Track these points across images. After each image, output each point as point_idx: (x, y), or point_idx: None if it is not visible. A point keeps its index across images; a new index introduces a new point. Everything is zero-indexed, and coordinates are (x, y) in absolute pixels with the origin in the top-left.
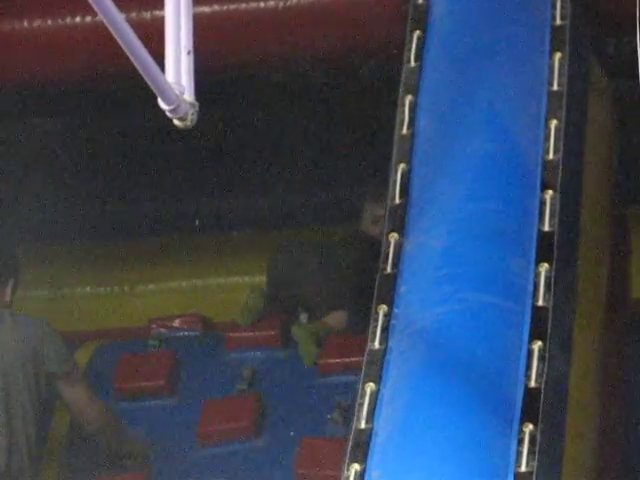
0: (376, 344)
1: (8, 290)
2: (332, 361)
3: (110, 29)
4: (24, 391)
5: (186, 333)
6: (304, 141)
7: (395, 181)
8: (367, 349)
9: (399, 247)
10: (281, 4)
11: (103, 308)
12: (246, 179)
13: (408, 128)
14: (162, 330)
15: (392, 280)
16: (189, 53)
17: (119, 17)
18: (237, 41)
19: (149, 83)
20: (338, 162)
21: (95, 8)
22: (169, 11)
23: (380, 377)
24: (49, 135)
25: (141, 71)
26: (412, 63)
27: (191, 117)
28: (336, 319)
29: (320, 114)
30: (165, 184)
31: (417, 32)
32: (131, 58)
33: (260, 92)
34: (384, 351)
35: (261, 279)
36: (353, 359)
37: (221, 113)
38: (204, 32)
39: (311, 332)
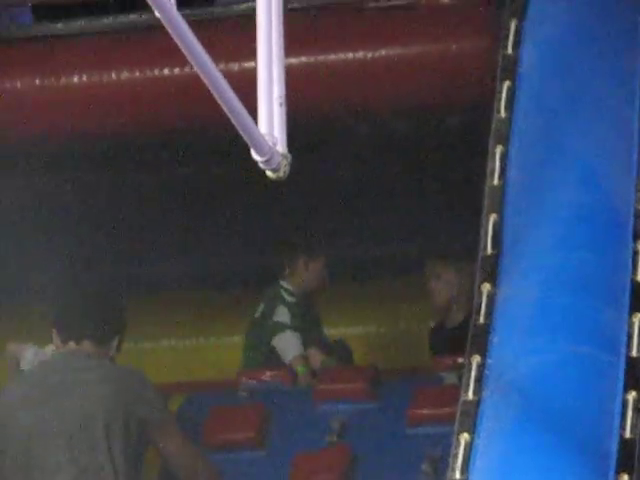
0: (470, 395)
1: (114, 345)
2: (421, 412)
3: (204, 80)
4: (118, 437)
5: (275, 385)
6: (389, 192)
7: (487, 231)
8: (461, 400)
9: (492, 297)
10: (369, 55)
11: (191, 360)
12: (325, 232)
13: (499, 179)
14: (251, 382)
15: (485, 330)
16: (281, 104)
17: (213, 68)
18: (324, 92)
19: (242, 134)
20: (426, 213)
21: (190, 59)
22: (261, 62)
23: (474, 428)
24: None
25: (235, 122)
26: (502, 113)
27: (284, 168)
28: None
29: (407, 166)
30: (251, 236)
31: (507, 82)
32: (225, 109)
33: (346, 143)
34: (478, 402)
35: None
36: (442, 410)
37: (309, 165)
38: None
39: None
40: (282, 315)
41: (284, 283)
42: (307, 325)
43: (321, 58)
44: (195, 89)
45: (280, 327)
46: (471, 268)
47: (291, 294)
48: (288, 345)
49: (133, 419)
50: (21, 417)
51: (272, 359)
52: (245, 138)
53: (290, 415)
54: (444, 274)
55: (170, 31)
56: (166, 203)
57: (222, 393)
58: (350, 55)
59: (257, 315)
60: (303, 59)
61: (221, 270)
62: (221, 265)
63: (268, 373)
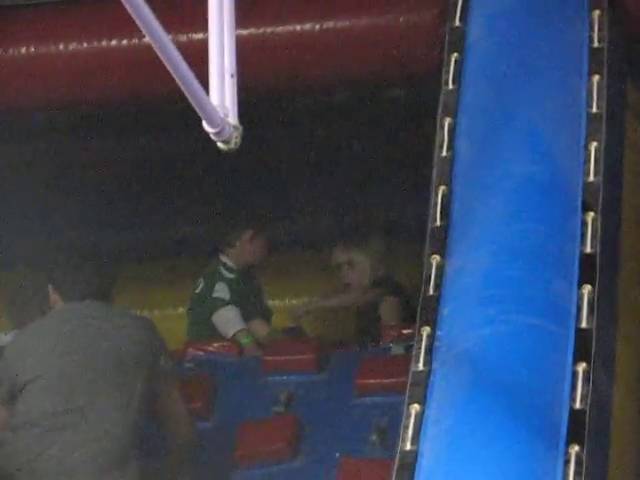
0: (420, 366)
1: None
2: (369, 382)
3: (157, 51)
4: (144, 381)
5: (222, 357)
6: (341, 165)
7: (436, 203)
8: (411, 371)
9: (441, 269)
10: (318, 27)
11: None
12: (274, 204)
13: (448, 150)
14: (198, 353)
15: (435, 302)
16: (232, 76)
17: (166, 39)
18: (272, 63)
19: (194, 106)
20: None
21: (143, 30)
22: (213, 34)
23: (425, 398)
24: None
25: (187, 94)
26: (450, 85)
27: (235, 140)
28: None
29: (354, 137)
30: (198, 207)
31: (455, 55)
32: (177, 81)
33: (294, 114)
34: (428, 373)
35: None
36: (390, 380)
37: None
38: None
39: None
40: (221, 291)
41: (224, 258)
42: (248, 298)
43: (270, 30)
44: (147, 60)
45: (220, 303)
46: (382, 248)
47: (230, 270)
48: (228, 320)
49: (156, 366)
50: (56, 359)
51: (216, 335)
52: (197, 109)
53: (237, 386)
54: (358, 261)
55: (124, 1)
56: (112, 173)
57: None
58: (299, 27)
59: (197, 291)
60: (252, 31)
61: (168, 241)
62: (168, 236)
63: (215, 344)
